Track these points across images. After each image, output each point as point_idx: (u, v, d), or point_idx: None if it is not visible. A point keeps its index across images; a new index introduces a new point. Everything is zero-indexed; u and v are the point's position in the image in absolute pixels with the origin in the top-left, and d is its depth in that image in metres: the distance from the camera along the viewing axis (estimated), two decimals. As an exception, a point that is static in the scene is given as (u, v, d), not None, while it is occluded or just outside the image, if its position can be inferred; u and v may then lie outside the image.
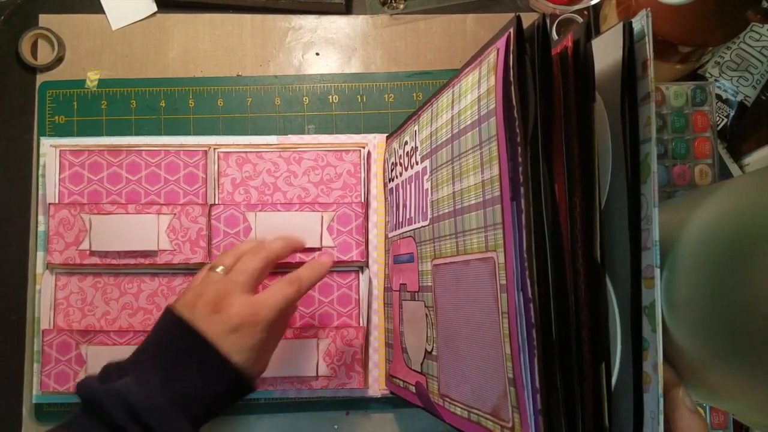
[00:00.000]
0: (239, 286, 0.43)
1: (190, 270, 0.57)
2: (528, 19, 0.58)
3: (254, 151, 0.59)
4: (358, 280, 0.58)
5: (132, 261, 0.56)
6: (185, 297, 0.43)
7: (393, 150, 0.56)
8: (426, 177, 0.45)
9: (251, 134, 0.61)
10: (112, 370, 0.40)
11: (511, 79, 0.32)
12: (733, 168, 0.58)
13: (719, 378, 0.31)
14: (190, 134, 0.61)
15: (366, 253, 0.58)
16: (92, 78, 0.61)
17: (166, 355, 0.41)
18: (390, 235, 0.56)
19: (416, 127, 0.48)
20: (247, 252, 0.46)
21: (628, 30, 0.33)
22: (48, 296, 0.57)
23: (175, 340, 0.41)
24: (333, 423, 0.58)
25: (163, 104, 0.61)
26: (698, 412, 0.31)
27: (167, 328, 0.42)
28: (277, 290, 0.44)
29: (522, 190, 0.31)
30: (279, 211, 0.57)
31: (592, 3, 0.59)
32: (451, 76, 0.43)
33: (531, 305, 0.30)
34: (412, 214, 0.49)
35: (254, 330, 0.42)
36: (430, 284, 0.44)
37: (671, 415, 0.31)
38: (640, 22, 0.32)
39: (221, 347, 0.40)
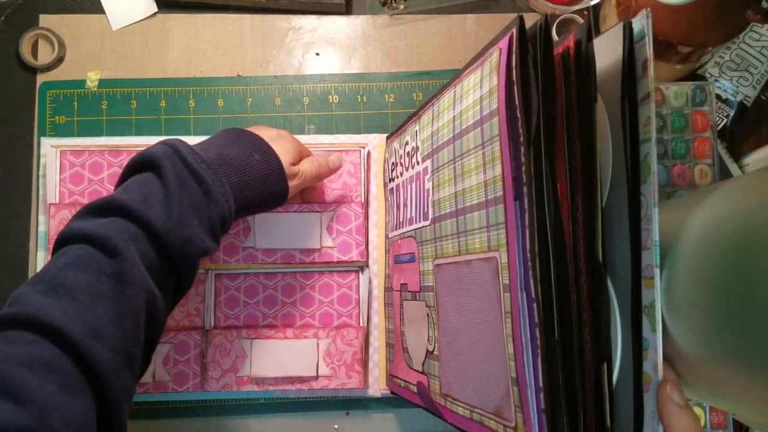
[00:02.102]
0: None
1: (190, 270, 0.57)
2: (528, 20, 0.58)
3: (254, 151, 0.59)
4: (358, 280, 0.58)
5: (132, 261, 0.56)
6: None
7: (393, 150, 0.56)
8: (427, 177, 0.45)
9: (251, 134, 0.61)
10: None
11: (514, 79, 0.32)
12: (733, 168, 0.58)
13: (719, 378, 0.31)
14: (190, 134, 0.61)
15: (366, 253, 0.58)
16: (92, 78, 0.61)
17: (217, 137, 0.47)
18: (390, 235, 0.56)
19: (417, 127, 0.48)
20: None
21: (628, 30, 0.33)
22: (48, 296, 0.57)
23: (228, 131, 0.48)
24: (333, 423, 0.58)
25: (164, 104, 0.61)
26: (688, 406, 0.31)
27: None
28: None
29: (525, 189, 0.31)
30: (278, 211, 0.57)
31: (592, 3, 0.59)
32: (452, 76, 0.43)
33: (534, 305, 0.30)
34: (413, 214, 0.49)
35: (291, 141, 0.51)
36: (431, 284, 0.44)
37: (660, 411, 0.31)
38: (640, 22, 0.33)
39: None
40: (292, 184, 0.49)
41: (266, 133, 0.49)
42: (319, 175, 0.53)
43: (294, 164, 0.50)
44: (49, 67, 0.61)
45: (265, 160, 0.46)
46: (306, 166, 0.51)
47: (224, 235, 0.44)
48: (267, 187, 0.46)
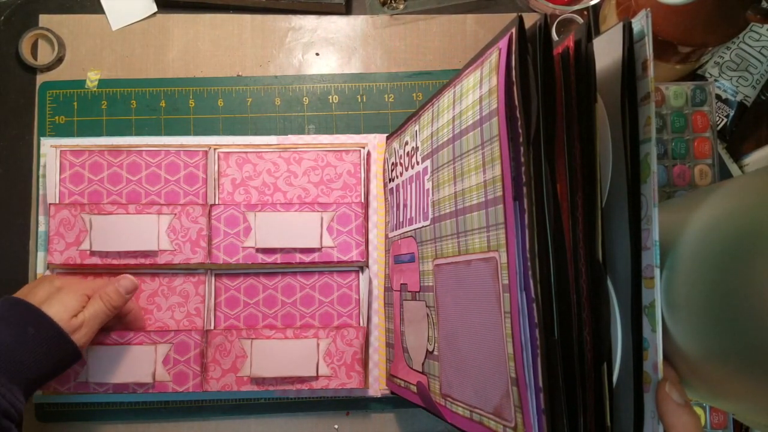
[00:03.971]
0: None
1: (190, 270, 0.58)
2: (528, 20, 0.58)
3: (254, 152, 0.59)
4: (358, 280, 0.58)
5: (132, 261, 0.56)
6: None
7: (393, 150, 0.56)
8: (427, 177, 0.45)
9: (251, 134, 0.61)
10: None
11: (514, 79, 0.32)
12: (733, 168, 0.58)
13: (719, 378, 0.31)
14: (190, 134, 0.61)
15: (366, 253, 0.58)
16: (92, 78, 0.61)
17: None
18: (390, 235, 0.56)
19: (417, 127, 0.48)
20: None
21: (627, 30, 0.33)
22: (48, 296, 0.56)
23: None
24: (333, 423, 0.58)
25: (163, 104, 0.61)
26: (688, 405, 0.30)
27: None
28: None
29: (525, 190, 0.31)
30: (279, 211, 0.57)
31: (592, 3, 0.59)
32: (452, 76, 0.43)
33: (534, 305, 0.30)
34: (413, 214, 0.49)
35: (72, 288, 0.49)
36: (431, 284, 0.44)
37: (659, 410, 0.31)
38: (640, 22, 0.33)
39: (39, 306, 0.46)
40: (79, 336, 0.47)
41: (42, 293, 0.48)
42: (113, 307, 0.51)
43: (76, 314, 0.48)
44: (49, 67, 0.61)
45: (39, 332, 0.45)
46: (90, 310, 0.49)
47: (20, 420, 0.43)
48: (50, 357, 0.45)
